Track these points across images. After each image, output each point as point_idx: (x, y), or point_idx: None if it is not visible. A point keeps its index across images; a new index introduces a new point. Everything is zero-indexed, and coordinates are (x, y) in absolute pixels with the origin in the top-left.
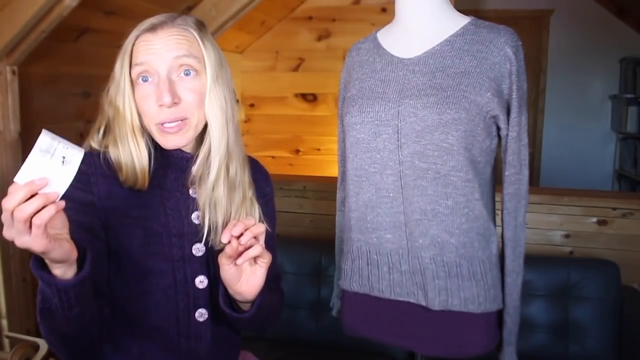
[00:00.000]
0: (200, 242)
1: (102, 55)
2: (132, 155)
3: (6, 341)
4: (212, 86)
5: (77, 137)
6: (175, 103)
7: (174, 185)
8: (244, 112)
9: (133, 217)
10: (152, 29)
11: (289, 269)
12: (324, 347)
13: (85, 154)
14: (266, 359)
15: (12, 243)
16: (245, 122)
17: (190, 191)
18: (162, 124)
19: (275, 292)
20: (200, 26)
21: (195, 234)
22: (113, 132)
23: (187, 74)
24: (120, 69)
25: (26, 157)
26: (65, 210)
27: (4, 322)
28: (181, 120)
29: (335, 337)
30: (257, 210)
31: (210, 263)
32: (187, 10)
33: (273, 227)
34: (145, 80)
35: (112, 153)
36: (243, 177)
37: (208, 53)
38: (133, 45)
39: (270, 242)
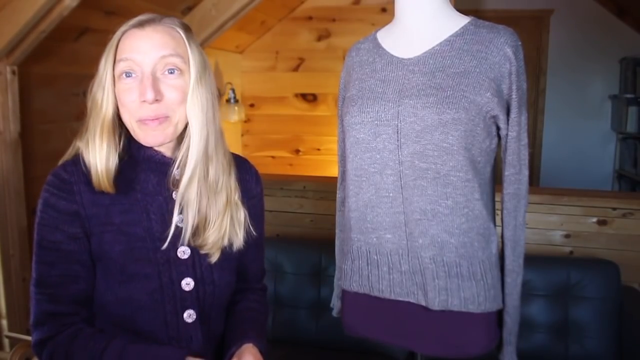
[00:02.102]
0: (185, 244)
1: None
2: (96, 154)
3: (6, 341)
4: (195, 86)
5: None
6: (157, 100)
7: (157, 190)
8: (244, 112)
9: (116, 223)
10: (140, 25)
11: (289, 269)
12: (324, 347)
13: (68, 162)
14: (266, 359)
15: (11, 242)
16: (245, 122)
17: (173, 194)
18: (143, 120)
19: (259, 302)
20: (187, 28)
21: (179, 236)
22: (87, 130)
23: (171, 72)
24: (104, 63)
25: (26, 157)
26: (55, 230)
27: (4, 322)
28: (163, 117)
29: (335, 337)
30: (242, 214)
31: (196, 265)
32: (187, 10)
33: (261, 225)
34: (128, 76)
35: (84, 154)
36: (228, 181)
37: (193, 54)
38: (119, 40)
39: (259, 240)
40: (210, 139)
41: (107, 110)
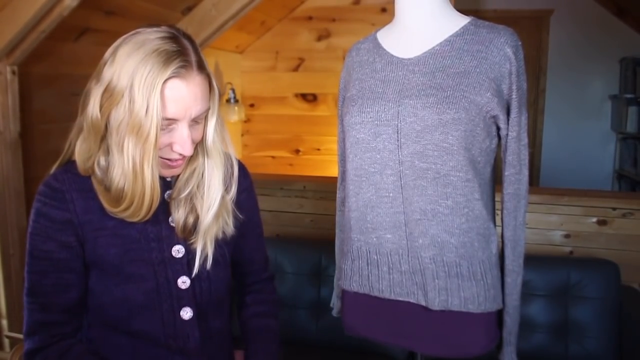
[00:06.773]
0: (179, 243)
1: (102, 55)
2: (146, 190)
3: (6, 341)
4: (216, 124)
5: None
6: None
7: None
8: (244, 112)
9: (110, 227)
10: (180, 75)
11: (289, 269)
12: (324, 347)
13: (59, 171)
14: None
15: (12, 242)
16: (245, 122)
17: (166, 195)
18: (169, 160)
19: (268, 301)
20: (205, 60)
21: (173, 236)
22: (122, 162)
23: (198, 122)
24: (145, 105)
25: (26, 157)
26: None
27: (4, 322)
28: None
29: (335, 337)
30: (228, 202)
31: (191, 263)
32: (187, 11)
33: (257, 215)
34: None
35: (117, 183)
36: (218, 175)
37: (216, 91)
38: (163, 86)
39: (257, 230)
40: (233, 163)
41: (155, 153)
